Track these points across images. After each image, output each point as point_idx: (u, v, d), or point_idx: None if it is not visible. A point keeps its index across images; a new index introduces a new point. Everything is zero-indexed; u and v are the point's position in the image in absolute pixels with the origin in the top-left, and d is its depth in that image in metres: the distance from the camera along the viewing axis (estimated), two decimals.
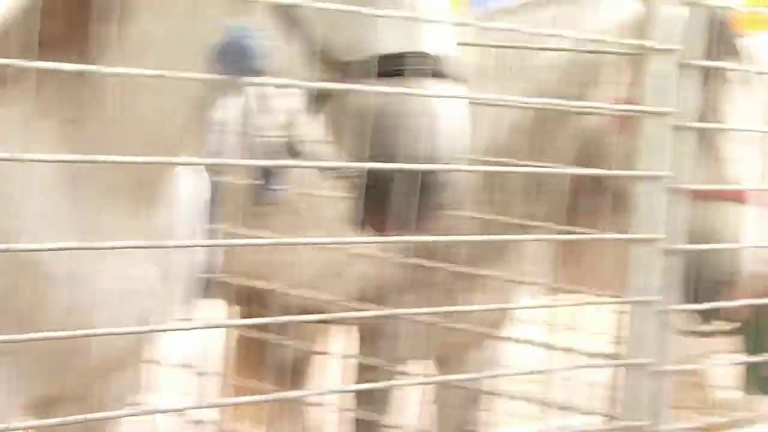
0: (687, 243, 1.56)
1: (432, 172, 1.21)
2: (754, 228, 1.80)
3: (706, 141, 1.74)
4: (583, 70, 1.92)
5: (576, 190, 2.06)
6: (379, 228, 1.29)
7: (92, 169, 1.30)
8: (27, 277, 1.26)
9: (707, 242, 1.70)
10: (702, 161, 1.65)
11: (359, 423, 2.06)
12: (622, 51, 1.79)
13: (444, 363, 2.20)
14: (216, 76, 1.26)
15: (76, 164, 1.28)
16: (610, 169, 1.87)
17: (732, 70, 1.69)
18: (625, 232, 1.55)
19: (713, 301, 1.67)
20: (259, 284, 2.13)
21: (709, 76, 1.72)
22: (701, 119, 1.61)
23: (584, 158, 1.99)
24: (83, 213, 1.35)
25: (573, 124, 1.93)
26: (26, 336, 1.07)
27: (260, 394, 2.04)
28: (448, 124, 1.24)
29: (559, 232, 1.81)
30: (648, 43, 1.49)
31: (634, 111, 1.57)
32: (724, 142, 1.86)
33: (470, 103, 1.28)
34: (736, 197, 1.82)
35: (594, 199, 1.89)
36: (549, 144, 1.93)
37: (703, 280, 1.65)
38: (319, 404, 2.31)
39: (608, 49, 1.84)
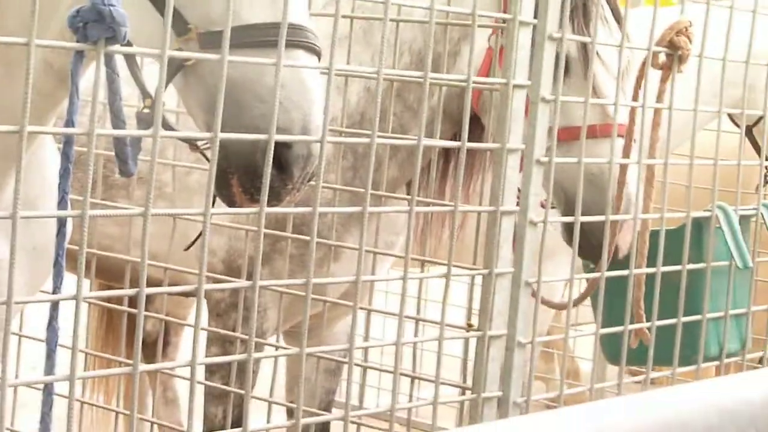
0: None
1: (292, 143, 1.24)
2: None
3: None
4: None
5: (446, 158, 2.10)
6: (235, 200, 1.31)
7: None
8: None
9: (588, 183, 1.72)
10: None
11: (215, 395, 2.06)
12: (488, 24, 1.80)
13: (301, 335, 2.22)
14: (75, 44, 1.17)
15: None
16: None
17: (589, 42, 1.71)
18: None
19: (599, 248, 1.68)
20: (115, 257, 2.10)
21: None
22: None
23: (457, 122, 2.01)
24: None
25: (437, 93, 1.92)
26: None
27: (118, 366, 2.02)
28: (313, 95, 1.27)
29: (421, 204, 1.81)
30: (510, 16, 1.48)
31: (489, 84, 1.57)
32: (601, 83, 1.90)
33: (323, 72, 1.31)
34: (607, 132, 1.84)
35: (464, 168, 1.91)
36: (417, 107, 1.94)
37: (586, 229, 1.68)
38: (179, 376, 2.32)
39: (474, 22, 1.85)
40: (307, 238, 1.50)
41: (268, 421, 1.81)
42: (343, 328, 2.25)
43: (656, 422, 1.05)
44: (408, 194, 1.98)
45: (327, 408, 2.34)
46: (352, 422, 1.75)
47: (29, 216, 1.31)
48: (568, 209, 1.81)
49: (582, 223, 1.63)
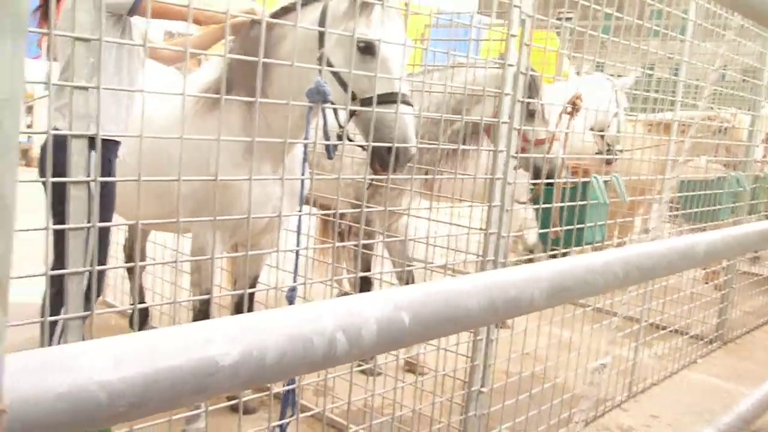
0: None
1: (402, 146, 2.83)
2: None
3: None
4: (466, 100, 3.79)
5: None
6: (377, 171, 2.89)
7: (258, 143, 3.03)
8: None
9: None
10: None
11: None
12: (489, 93, 3.65)
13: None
14: (309, 103, 2.84)
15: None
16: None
17: (535, 102, 3.62)
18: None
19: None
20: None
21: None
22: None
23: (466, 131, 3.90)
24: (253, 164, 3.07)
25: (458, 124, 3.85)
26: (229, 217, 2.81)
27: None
28: (409, 124, 2.82)
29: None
30: (502, 89, 3.32)
31: (495, 120, 3.44)
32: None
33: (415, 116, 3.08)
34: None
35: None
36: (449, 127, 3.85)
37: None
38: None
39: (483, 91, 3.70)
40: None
41: None
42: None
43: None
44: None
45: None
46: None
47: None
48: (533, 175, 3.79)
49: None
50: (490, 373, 3.29)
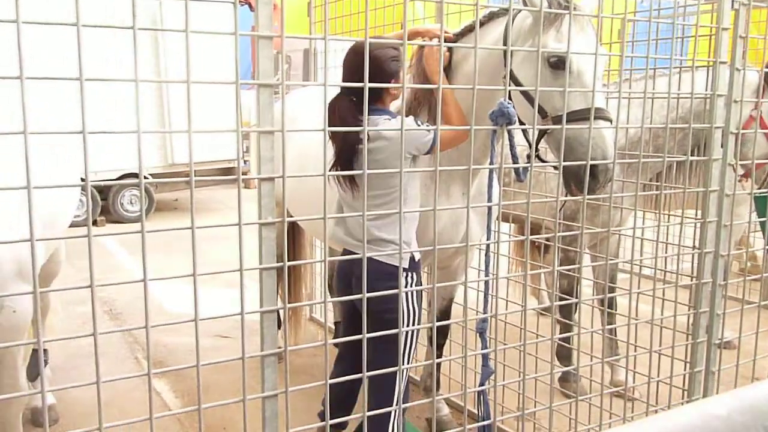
0: None
1: (601, 165, 2.53)
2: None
3: None
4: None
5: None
6: (573, 192, 2.61)
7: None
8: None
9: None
10: None
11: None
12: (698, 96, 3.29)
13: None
14: (493, 126, 2.64)
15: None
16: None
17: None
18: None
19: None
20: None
21: None
22: None
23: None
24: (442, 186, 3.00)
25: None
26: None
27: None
28: (608, 141, 2.53)
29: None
30: (714, 90, 2.95)
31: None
32: None
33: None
34: None
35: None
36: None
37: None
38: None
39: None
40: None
41: None
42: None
43: None
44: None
45: None
46: None
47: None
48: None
49: None
50: None
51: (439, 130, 2.15)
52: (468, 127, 2.31)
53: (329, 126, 2.56)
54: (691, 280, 3.04)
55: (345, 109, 2.57)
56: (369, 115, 2.59)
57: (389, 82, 2.59)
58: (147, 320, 1.69)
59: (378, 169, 2.57)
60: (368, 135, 2.52)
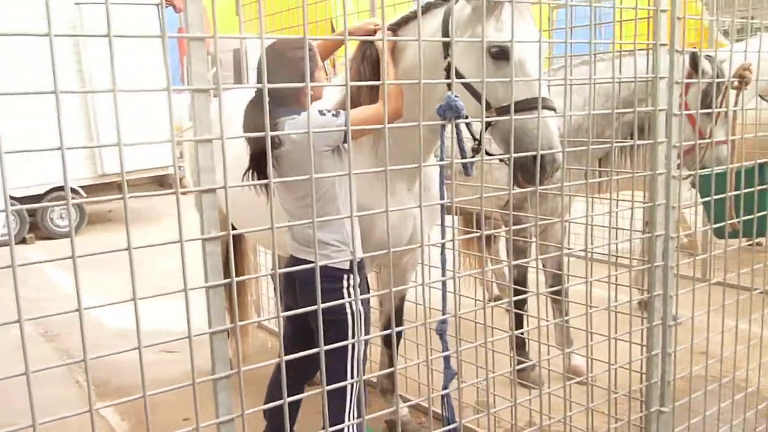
0: None
1: (548, 155, 2.47)
2: None
3: None
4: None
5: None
6: (520, 184, 2.54)
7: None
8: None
9: None
10: None
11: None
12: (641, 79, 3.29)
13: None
14: (442, 121, 2.59)
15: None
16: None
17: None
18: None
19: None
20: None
21: None
22: None
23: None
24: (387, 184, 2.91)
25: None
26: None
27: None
28: (553, 130, 2.48)
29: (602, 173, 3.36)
30: (656, 72, 2.96)
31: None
32: None
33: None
34: None
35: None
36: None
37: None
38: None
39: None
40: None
41: None
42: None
43: None
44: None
45: None
46: None
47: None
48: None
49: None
50: (670, 391, 2.94)
51: (349, 114, 1.93)
52: (414, 124, 2.23)
53: (245, 132, 2.48)
54: (643, 264, 3.03)
55: (258, 113, 2.47)
56: (282, 117, 2.50)
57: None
58: (85, 353, 1.57)
59: (294, 169, 2.49)
60: (278, 139, 2.46)
